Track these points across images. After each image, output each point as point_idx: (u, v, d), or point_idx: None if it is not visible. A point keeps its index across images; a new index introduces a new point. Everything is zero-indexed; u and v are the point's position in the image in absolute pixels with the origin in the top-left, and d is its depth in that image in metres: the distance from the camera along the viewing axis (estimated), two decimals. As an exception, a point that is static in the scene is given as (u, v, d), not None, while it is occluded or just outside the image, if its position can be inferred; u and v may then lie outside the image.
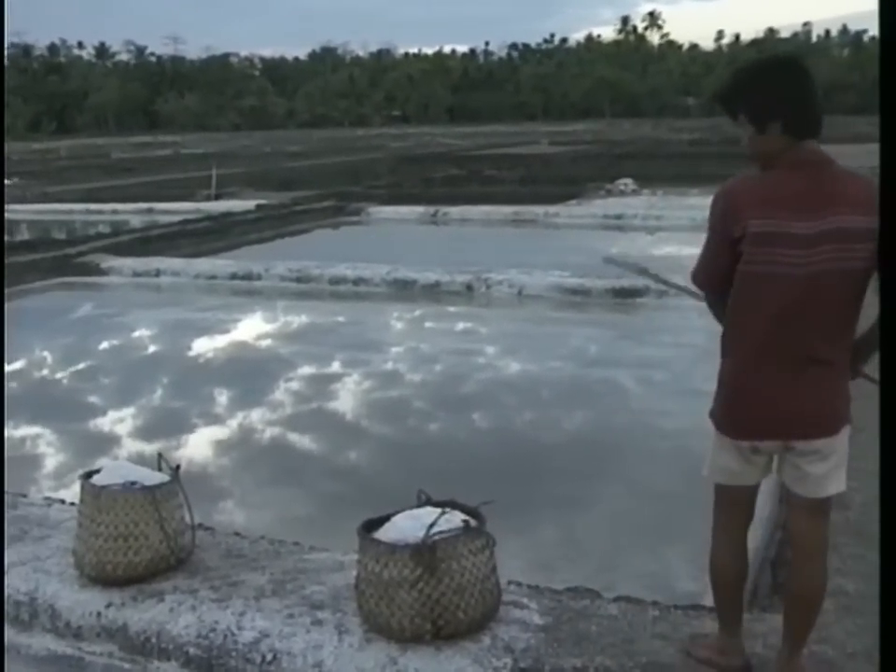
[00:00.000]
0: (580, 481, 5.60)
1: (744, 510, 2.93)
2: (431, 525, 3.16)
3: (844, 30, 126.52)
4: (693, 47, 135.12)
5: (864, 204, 2.55)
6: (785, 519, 3.11)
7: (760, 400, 2.71)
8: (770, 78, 2.65)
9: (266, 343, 9.61)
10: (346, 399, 7.58)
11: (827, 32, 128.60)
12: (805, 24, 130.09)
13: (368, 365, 8.46)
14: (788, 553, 3.86)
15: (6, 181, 30.62)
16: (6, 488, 4.86)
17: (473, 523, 3.26)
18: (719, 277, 2.72)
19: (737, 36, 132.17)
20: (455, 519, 3.23)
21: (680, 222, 16.49)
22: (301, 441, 6.63)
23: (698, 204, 18.89)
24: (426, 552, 3.12)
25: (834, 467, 2.74)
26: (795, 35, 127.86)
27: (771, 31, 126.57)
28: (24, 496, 4.92)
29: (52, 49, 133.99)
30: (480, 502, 3.35)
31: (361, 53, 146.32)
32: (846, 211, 2.55)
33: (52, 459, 6.40)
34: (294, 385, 7.97)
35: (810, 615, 2.86)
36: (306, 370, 8.38)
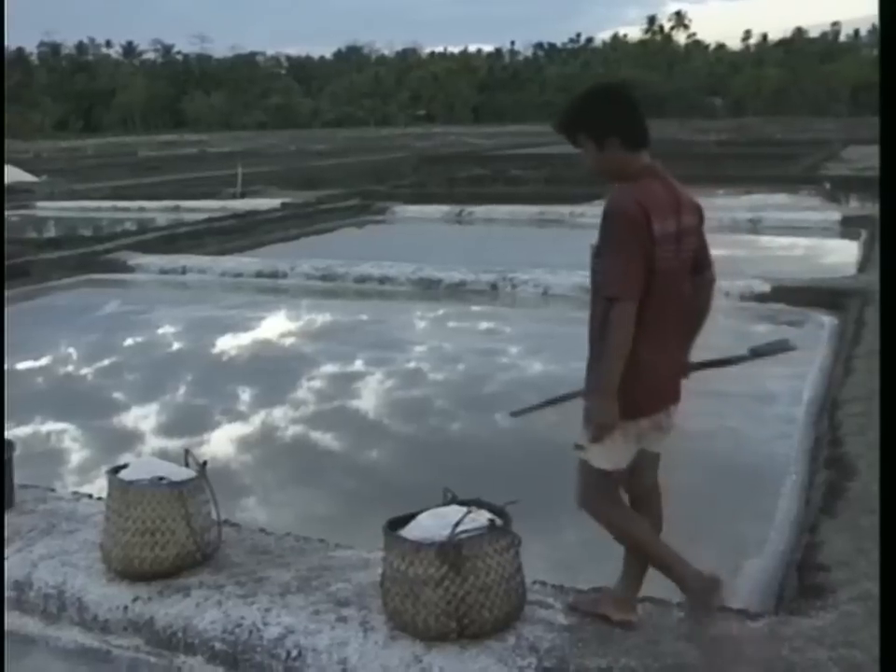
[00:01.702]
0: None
1: (616, 488, 3.28)
2: (457, 524, 3.16)
3: (873, 29, 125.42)
4: (720, 46, 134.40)
5: (693, 206, 3.12)
6: (638, 481, 3.38)
7: (658, 381, 3.11)
8: (603, 101, 3.06)
9: (290, 340, 9.65)
10: (369, 397, 7.59)
11: (856, 31, 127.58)
12: (835, 24, 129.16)
13: (391, 364, 8.47)
14: (814, 556, 3.85)
15: (34, 178, 30.91)
16: (35, 483, 4.93)
17: (499, 522, 3.26)
18: (640, 285, 2.92)
19: (765, 36, 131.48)
20: (481, 518, 3.23)
21: (706, 223, 16.42)
22: (324, 439, 6.65)
23: (724, 205, 18.82)
24: (451, 550, 3.12)
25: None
26: (824, 34, 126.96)
27: (799, 30, 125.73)
28: (52, 490, 4.96)
29: (80, 47, 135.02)
30: (505, 502, 3.36)
31: (387, 52, 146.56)
32: (687, 211, 3.06)
33: (79, 455, 6.45)
34: (317, 383, 7.99)
35: (645, 558, 3.34)
36: (329, 368, 8.40)
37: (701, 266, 3.22)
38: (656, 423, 3.20)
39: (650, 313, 2.96)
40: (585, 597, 3.48)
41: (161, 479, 3.78)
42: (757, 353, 3.74)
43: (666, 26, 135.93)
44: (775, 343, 3.86)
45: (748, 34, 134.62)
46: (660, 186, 3.01)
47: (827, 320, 9.03)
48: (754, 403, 6.90)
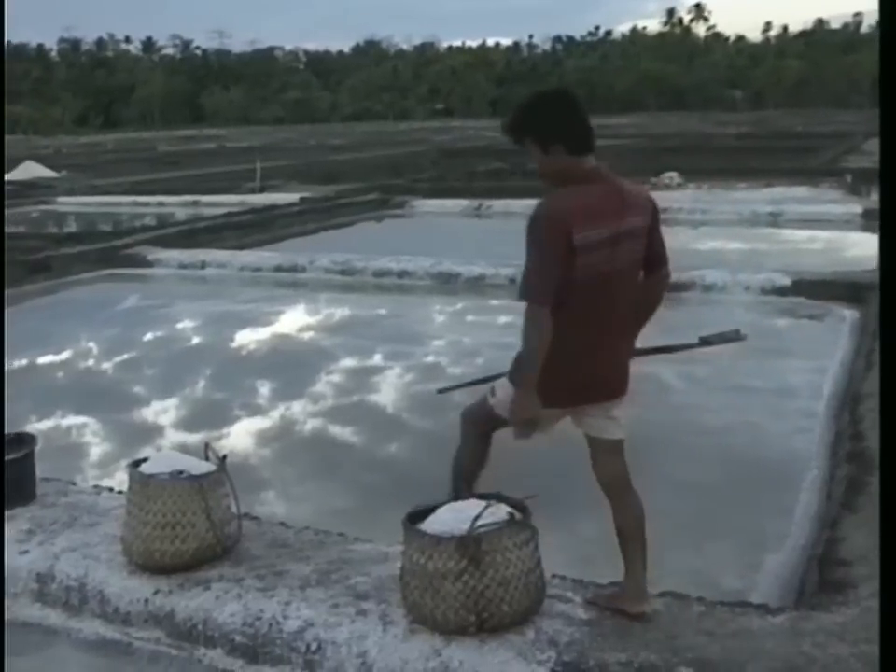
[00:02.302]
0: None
1: (495, 428, 3.50)
2: (476, 518, 3.16)
3: None
4: (740, 39, 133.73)
5: (642, 207, 3.20)
6: (597, 469, 3.49)
7: (582, 378, 3.20)
8: (549, 107, 3.12)
9: (309, 335, 9.66)
10: (388, 391, 7.59)
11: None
12: (856, 14, 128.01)
13: (410, 358, 8.47)
14: (835, 551, 3.83)
15: (54, 174, 31.09)
16: (57, 476, 4.96)
17: (518, 516, 3.26)
18: (554, 291, 3.02)
19: (785, 28, 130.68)
20: (500, 512, 3.23)
21: (726, 216, 16.36)
22: (343, 433, 6.66)
23: (744, 198, 18.77)
24: (470, 544, 3.12)
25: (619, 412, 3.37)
26: (846, 25, 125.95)
27: (820, 22, 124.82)
28: (74, 483, 4.99)
29: (100, 43, 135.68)
30: (524, 496, 3.35)
31: (405, 46, 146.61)
32: (633, 213, 3.13)
33: (99, 448, 6.48)
34: (336, 377, 8.00)
35: (643, 541, 3.41)
36: (348, 362, 8.40)
37: (655, 263, 3.31)
38: (587, 413, 3.32)
39: (577, 315, 3.09)
40: (603, 592, 3.51)
41: (181, 472, 3.79)
42: (706, 341, 3.85)
43: (686, 18, 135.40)
44: (726, 332, 3.95)
45: (768, 25, 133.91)
46: (600, 191, 3.09)
47: (848, 314, 8.97)
48: (775, 398, 6.87)
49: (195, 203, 21.11)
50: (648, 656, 3.07)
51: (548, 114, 3.11)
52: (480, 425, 3.56)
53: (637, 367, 8.14)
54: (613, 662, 3.06)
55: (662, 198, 18.36)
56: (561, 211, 3.02)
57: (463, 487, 3.57)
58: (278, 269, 12.51)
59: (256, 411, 7.15)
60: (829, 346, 7.94)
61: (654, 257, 3.29)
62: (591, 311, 3.12)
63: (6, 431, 4.65)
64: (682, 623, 3.31)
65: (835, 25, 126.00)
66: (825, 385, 6.93)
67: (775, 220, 15.98)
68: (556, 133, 3.08)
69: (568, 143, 3.08)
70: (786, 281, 10.02)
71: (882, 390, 2.28)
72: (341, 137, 58.55)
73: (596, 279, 3.06)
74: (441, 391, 4.17)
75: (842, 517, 4.20)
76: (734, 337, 3.83)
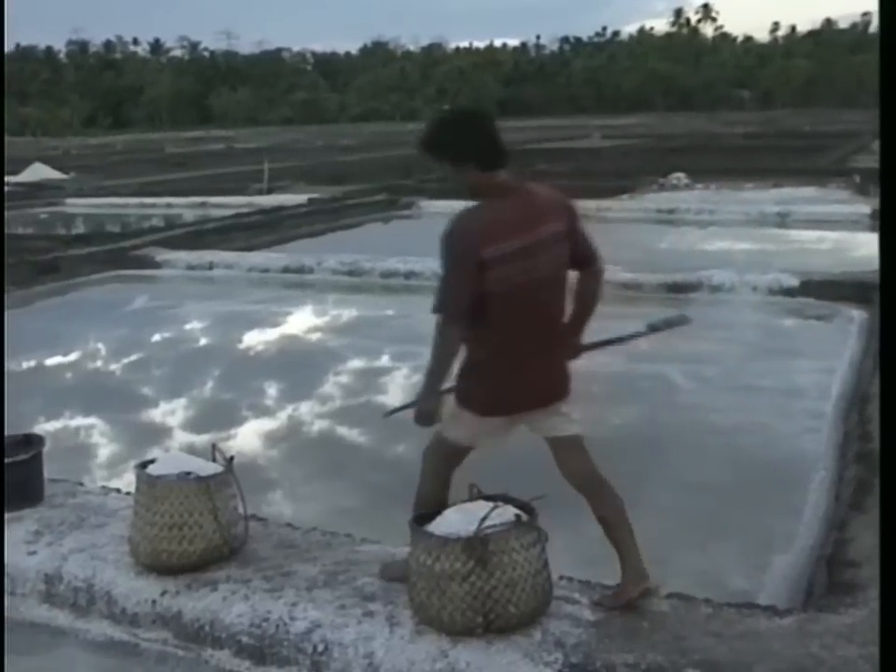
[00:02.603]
0: (629, 477, 5.52)
1: (458, 462, 3.50)
2: (483, 519, 3.16)
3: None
4: (748, 39, 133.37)
5: (559, 212, 3.26)
6: (564, 470, 3.55)
7: (515, 388, 3.28)
8: (461, 126, 3.28)
9: (317, 335, 9.67)
10: (395, 392, 7.59)
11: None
12: (865, 14, 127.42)
13: (417, 358, 8.43)
14: (844, 552, 3.81)
15: (63, 175, 31.17)
16: (65, 477, 4.97)
17: (525, 517, 3.26)
18: (466, 307, 3.15)
19: (793, 28, 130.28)
20: (507, 513, 3.23)
21: (734, 217, 16.33)
22: (351, 433, 6.66)
23: (752, 199, 18.73)
24: (477, 545, 3.12)
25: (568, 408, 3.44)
26: (854, 25, 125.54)
27: (829, 22, 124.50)
28: (81, 484, 5.00)
29: (108, 45, 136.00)
30: (531, 497, 3.35)
31: (412, 47, 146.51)
32: (550, 220, 3.21)
33: (107, 449, 6.50)
34: (344, 378, 8.01)
35: (628, 526, 3.46)
36: (356, 363, 8.41)
37: (584, 262, 3.40)
38: (535, 418, 3.40)
39: (503, 326, 3.22)
40: (607, 594, 3.51)
41: (188, 473, 3.80)
42: (654, 328, 3.92)
43: (693, 18, 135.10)
44: (672, 317, 4.00)
45: (776, 25, 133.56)
46: (511, 204, 3.19)
47: (856, 314, 8.94)
48: (783, 398, 6.86)
49: (203, 205, 21.14)
50: (655, 657, 3.07)
51: (460, 133, 3.25)
52: (437, 453, 3.52)
53: (643, 367, 8.13)
54: (620, 663, 3.06)
55: (670, 198, 18.39)
56: (469, 228, 3.16)
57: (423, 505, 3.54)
58: (286, 270, 12.52)
59: (263, 411, 7.16)
60: (837, 347, 7.92)
61: (581, 256, 3.37)
62: (516, 321, 3.21)
63: (14, 433, 4.66)
64: (690, 624, 3.30)
65: (844, 25, 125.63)
66: (833, 385, 6.91)
67: (783, 221, 15.95)
68: (468, 150, 3.20)
69: (479, 160, 3.20)
70: (794, 282, 9.99)
71: (882, 390, 2.27)
72: (348, 138, 58.63)
73: (515, 290, 3.16)
74: (387, 414, 4.16)
75: (850, 518, 4.19)
76: (679, 321, 3.92)
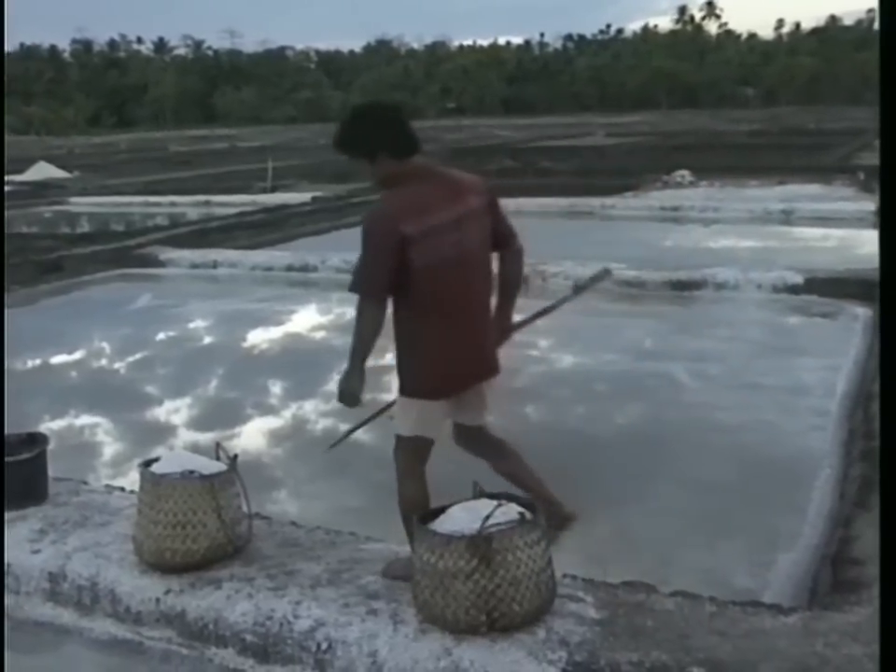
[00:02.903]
0: (633, 475, 5.55)
1: (427, 456, 3.61)
2: (487, 517, 3.15)
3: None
4: (752, 36, 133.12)
5: (476, 192, 3.44)
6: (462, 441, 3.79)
7: (459, 363, 3.42)
8: (368, 120, 3.42)
9: (321, 334, 9.66)
10: (400, 390, 7.58)
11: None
12: (870, 11, 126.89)
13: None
14: (849, 550, 3.81)
15: (67, 174, 31.21)
16: (69, 476, 4.97)
17: (529, 515, 3.25)
18: (387, 285, 3.32)
19: (798, 25, 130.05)
20: (511, 511, 3.22)
21: (738, 214, 16.30)
22: (355, 432, 6.64)
23: (757, 196, 18.68)
24: (481, 543, 3.12)
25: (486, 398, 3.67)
26: (859, 22, 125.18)
27: (833, 18, 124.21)
28: (85, 483, 5.00)
29: (112, 44, 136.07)
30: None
31: (416, 46, 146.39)
32: (469, 197, 3.37)
33: (111, 448, 6.50)
34: (348, 376, 7.99)
35: (531, 472, 3.77)
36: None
37: (504, 241, 3.56)
38: (463, 400, 3.57)
39: (426, 304, 3.35)
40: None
41: (191, 472, 3.80)
42: (579, 288, 4.08)
43: (697, 16, 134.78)
44: (595, 274, 4.13)
45: (780, 22, 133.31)
46: (430, 185, 3.35)
47: (861, 312, 8.92)
48: (788, 396, 6.84)
49: (207, 203, 21.15)
50: (659, 656, 3.06)
51: (370, 126, 3.40)
52: (405, 452, 3.60)
53: (647, 365, 8.13)
54: (625, 662, 3.05)
55: (674, 196, 18.36)
56: (389, 209, 3.32)
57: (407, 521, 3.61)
58: (290, 268, 12.51)
59: (267, 410, 7.16)
60: (842, 344, 7.90)
61: (501, 236, 3.53)
62: (446, 295, 3.35)
63: (19, 431, 4.67)
64: (694, 622, 3.29)
65: (848, 22, 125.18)
66: (838, 383, 6.90)
67: (787, 218, 15.91)
68: (380, 141, 3.34)
69: (392, 150, 3.34)
70: (798, 279, 9.97)
71: (882, 390, 2.26)
72: (352, 136, 58.48)
73: (443, 263, 3.29)
74: (332, 447, 4.28)
75: (855, 516, 4.18)
76: (602, 276, 4.06)
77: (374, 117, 3.44)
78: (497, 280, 3.60)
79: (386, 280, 3.30)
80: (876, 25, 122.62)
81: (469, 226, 3.35)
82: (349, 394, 3.45)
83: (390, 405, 3.74)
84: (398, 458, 3.60)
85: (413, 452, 3.56)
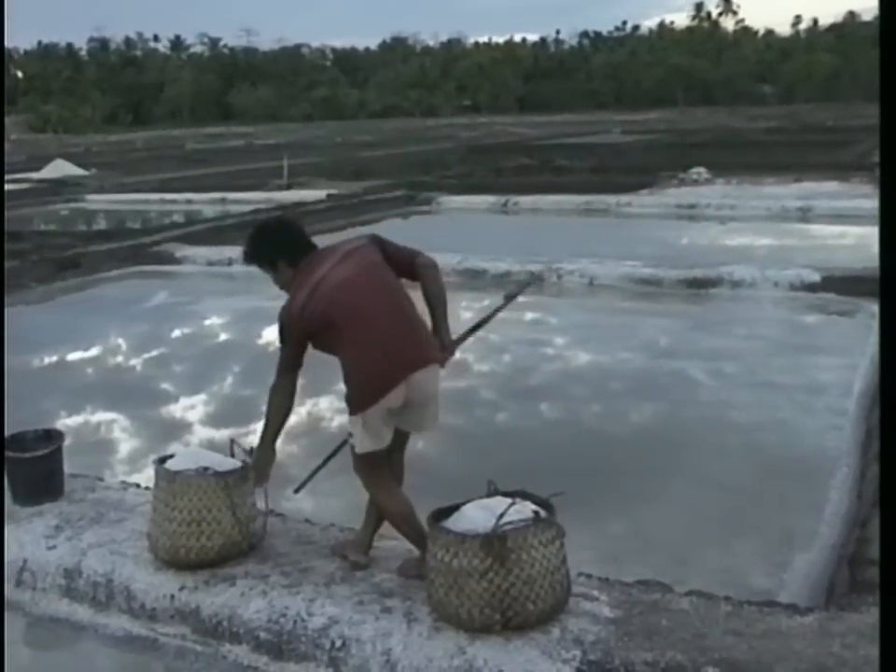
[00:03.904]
0: (649, 473, 5.53)
1: (386, 463, 3.76)
2: (501, 516, 3.14)
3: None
4: (769, 32, 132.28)
5: (355, 239, 3.83)
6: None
7: (385, 361, 3.59)
8: (266, 238, 3.87)
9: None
10: (415, 388, 7.58)
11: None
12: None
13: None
14: (866, 551, 3.78)
15: (84, 172, 31.33)
16: (85, 472, 4.99)
17: (543, 514, 3.24)
18: (296, 362, 3.77)
19: (815, 21, 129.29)
20: (526, 510, 3.22)
21: (755, 212, 16.22)
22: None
23: (774, 194, 18.59)
24: (496, 542, 3.11)
25: (435, 406, 3.76)
26: (877, 18, 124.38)
27: (851, 14, 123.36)
28: (101, 479, 5.02)
29: (129, 42, 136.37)
30: (550, 493, 3.33)
31: (432, 43, 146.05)
32: (346, 245, 3.75)
33: (127, 444, 6.52)
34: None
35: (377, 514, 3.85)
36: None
37: (406, 267, 3.80)
38: (408, 406, 3.65)
39: (350, 342, 3.61)
40: (338, 542, 4.00)
41: (206, 469, 3.81)
42: (510, 297, 4.19)
43: (714, 12, 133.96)
44: (523, 281, 4.19)
45: (797, 19, 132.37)
46: (318, 266, 3.66)
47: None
48: (804, 395, 6.80)
49: (223, 201, 21.20)
50: (674, 656, 3.04)
51: (268, 244, 3.82)
52: (368, 468, 3.74)
53: (664, 364, 8.10)
54: (639, 661, 3.04)
55: (690, 193, 18.26)
56: (291, 307, 3.64)
57: (411, 532, 3.74)
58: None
59: (282, 407, 7.15)
60: (859, 343, 7.85)
61: (401, 264, 3.79)
62: (364, 325, 3.60)
63: (35, 428, 4.69)
64: (710, 622, 3.27)
65: (867, 18, 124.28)
66: (855, 382, 6.85)
67: (804, 216, 15.83)
68: (278, 256, 3.76)
69: (289, 259, 3.74)
70: (815, 277, 9.92)
71: (882, 391, 2.24)
72: (368, 134, 58.63)
73: (337, 288, 3.59)
74: (297, 490, 4.29)
75: (872, 516, 4.14)
76: (531, 282, 4.12)
77: (271, 234, 3.89)
78: (424, 298, 3.84)
79: (297, 360, 3.75)
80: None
81: (352, 263, 3.66)
82: (259, 469, 3.81)
83: (345, 441, 3.89)
84: (360, 475, 3.77)
85: (371, 465, 3.70)
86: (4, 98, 66.36)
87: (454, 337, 3.92)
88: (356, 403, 3.65)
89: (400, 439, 3.83)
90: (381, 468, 3.73)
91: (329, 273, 3.63)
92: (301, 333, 3.67)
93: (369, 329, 3.60)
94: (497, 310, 4.17)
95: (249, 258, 3.89)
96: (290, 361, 3.76)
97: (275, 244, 3.81)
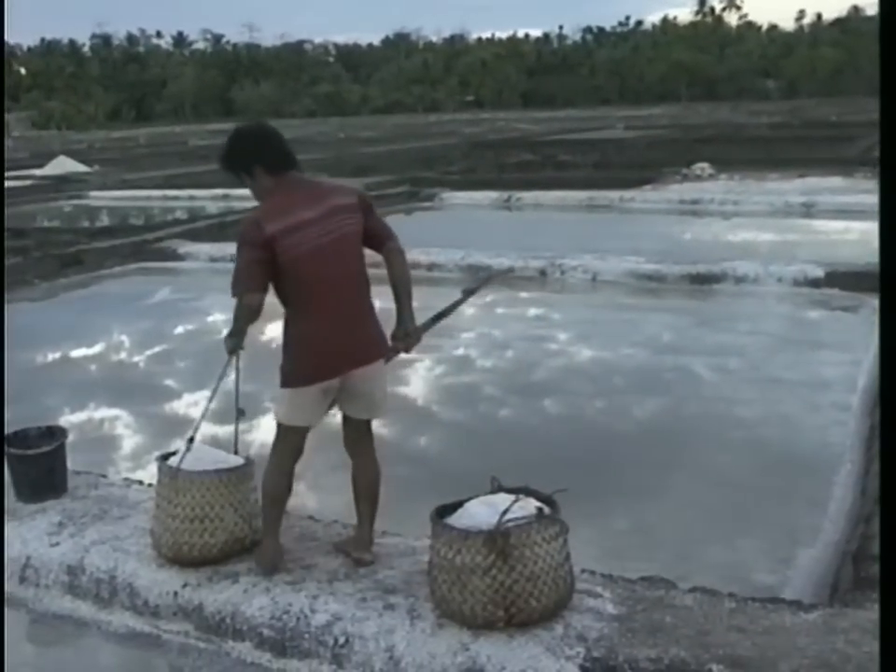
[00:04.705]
0: (652, 469, 5.52)
1: (300, 444, 3.78)
2: (505, 512, 3.14)
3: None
4: (773, 27, 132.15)
5: (345, 192, 3.72)
6: (344, 436, 3.92)
7: (326, 350, 3.58)
8: (244, 140, 3.70)
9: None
10: (417, 384, 7.58)
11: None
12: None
13: (439, 350, 8.44)
14: (870, 547, 3.77)
15: (86, 168, 31.34)
16: (88, 469, 4.99)
17: (547, 510, 3.23)
18: (260, 278, 3.56)
19: (819, 16, 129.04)
20: (529, 506, 3.21)
21: (758, 207, 16.18)
22: (373, 425, 6.63)
23: (777, 189, 18.55)
24: (499, 538, 3.10)
25: (380, 394, 3.80)
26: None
27: (855, 9, 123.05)
28: (104, 476, 5.02)
29: (131, 38, 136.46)
30: (554, 490, 3.32)
31: (434, 39, 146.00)
32: (336, 197, 3.64)
33: (130, 441, 6.52)
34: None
35: (376, 499, 3.87)
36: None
37: (378, 240, 3.78)
38: (348, 391, 3.70)
39: (292, 298, 3.62)
40: (341, 539, 4.00)
41: (209, 466, 3.80)
42: (468, 291, 4.12)
43: (717, 7, 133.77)
44: (482, 276, 4.19)
45: (801, 13, 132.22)
46: (297, 191, 3.61)
47: (883, 305, 8.83)
48: (808, 390, 6.79)
49: (226, 197, 21.13)
50: (678, 652, 3.04)
51: (246, 147, 3.67)
52: (279, 441, 3.79)
53: (667, 359, 8.07)
54: (643, 658, 3.03)
55: (693, 189, 18.19)
56: (255, 216, 3.58)
57: (268, 524, 3.81)
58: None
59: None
60: (863, 338, 7.82)
61: (374, 236, 3.75)
62: (310, 286, 3.57)
63: (38, 425, 4.69)
64: (713, 618, 3.27)
65: (871, 12, 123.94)
66: (859, 377, 6.83)
67: (808, 211, 15.79)
68: (255, 158, 3.62)
69: (267, 164, 3.61)
70: (819, 272, 9.90)
71: (882, 390, 2.23)
72: (371, 130, 58.57)
73: (304, 259, 3.52)
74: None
75: (876, 512, 4.13)
76: (491, 277, 4.12)
77: (250, 136, 3.72)
78: (389, 281, 3.82)
79: (259, 278, 3.57)
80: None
81: (332, 226, 3.57)
82: (230, 349, 4.03)
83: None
84: (274, 449, 3.80)
85: (285, 441, 3.73)
86: (3, 97, 66.29)
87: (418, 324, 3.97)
88: (288, 379, 3.67)
89: (355, 441, 3.87)
90: (291, 443, 3.74)
91: (308, 225, 3.53)
92: (257, 247, 3.54)
93: (319, 313, 3.58)
94: (456, 304, 4.19)
95: (225, 162, 3.74)
96: (244, 279, 3.62)
97: (253, 148, 3.66)
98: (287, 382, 3.67)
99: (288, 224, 3.50)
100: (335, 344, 3.59)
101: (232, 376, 4.10)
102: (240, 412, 3.96)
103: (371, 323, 3.74)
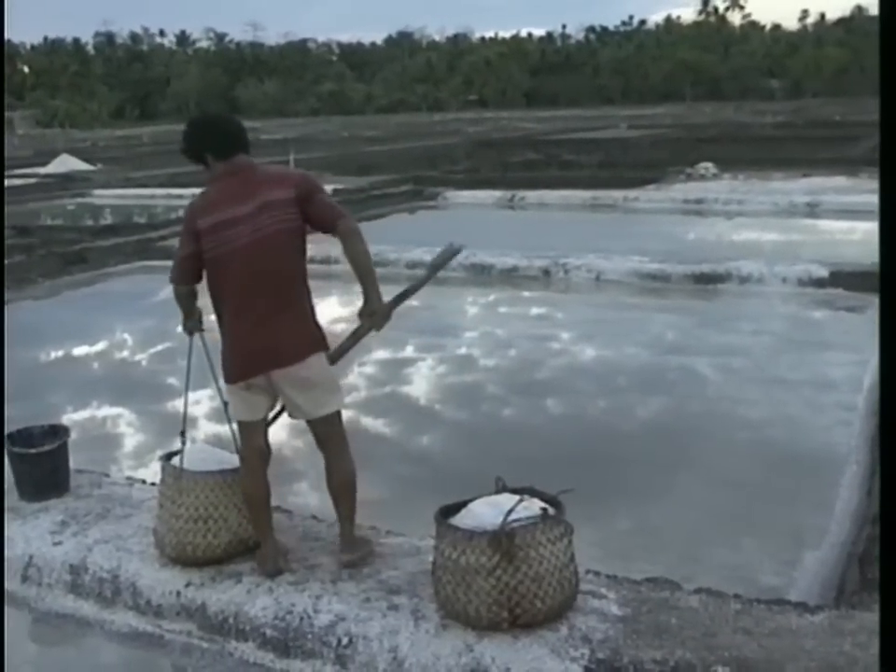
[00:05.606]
0: (657, 470, 5.51)
1: (256, 440, 3.74)
2: (509, 513, 3.12)
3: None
4: (777, 27, 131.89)
5: (283, 183, 3.65)
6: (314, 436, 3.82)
7: (244, 349, 3.62)
8: (194, 129, 3.80)
9: (341, 326, 9.61)
10: (420, 383, 7.57)
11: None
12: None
13: (442, 350, 8.44)
14: (876, 548, 3.75)
15: (90, 167, 31.35)
16: (91, 467, 4.98)
17: (552, 511, 3.22)
18: (189, 272, 3.72)
19: (823, 15, 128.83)
20: (534, 507, 3.19)
21: (762, 207, 16.16)
22: (376, 425, 6.64)
23: (781, 189, 18.52)
24: (504, 539, 3.09)
25: (320, 392, 3.67)
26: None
27: (859, 8, 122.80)
28: (107, 475, 5.01)
29: (135, 37, 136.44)
30: (559, 490, 3.31)
31: (438, 38, 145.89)
32: (270, 189, 3.59)
33: (133, 440, 6.51)
34: (368, 369, 7.98)
35: (352, 497, 3.80)
36: (381, 353, 8.38)
37: (327, 223, 3.71)
38: (282, 391, 3.67)
39: (218, 291, 3.66)
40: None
41: (213, 466, 3.80)
42: (434, 266, 4.15)
43: (721, 7, 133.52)
44: (446, 249, 4.12)
45: (805, 13, 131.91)
46: (234, 180, 3.63)
47: (888, 305, 8.81)
48: (813, 391, 6.77)
49: (229, 196, 21.16)
50: (683, 654, 3.02)
51: (194, 136, 3.76)
52: (242, 439, 3.78)
53: (671, 359, 8.04)
54: (648, 659, 3.01)
55: (697, 189, 18.15)
56: (194, 202, 3.71)
57: (258, 526, 3.79)
58: (311, 260, 12.38)
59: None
60: (868, 338, 7.78)
61: (321, 221, 3.70)
62: (232, 280, 3.59)
63: (41, 423, 4.68)
64: (719, 620, 3.25)
65: (874, 12, 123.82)
66: (865, 377, 6.81)
67: (812, 211, 15.76)
68: (203, 145, 3.70)
69: (214, 152, 3.68)
70: (824, 272, 9.88)
71: (882, 391, 2.21)
72: (375, 129, 58.54)
73: (234, 252, 3.54)
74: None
75: (882, 513, 4.11)
76: (454, 251, 4.06)
77: (197, 126, 3.83)
78: (348, 263, 3.82)
79: (187, 273, 3.73)
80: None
81: (260, 223, 3.55)
82: (187, 327, 4.12)
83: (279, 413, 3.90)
84: (245, 447, 3.80)
85: (242, 438, 3.77)
86: (3, 97, 66.30)
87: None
88: (224, 375, 3.74)
89: (318, 441, 3.80)
90: (248, 440, 3.74)
91: (237, 223, 3.55)
92: (188, 235, 3.66)
93: (237, 312, 3.62)
94: (424, 280, 4.13)
95: (182, 152, 3.84)
96: (176, 267, 3.75)
97: (200, 136, 3.75)
98: (224, 378, 3.75)
99: (217, 221, 3.56)
100: (252, 344, 3.61)
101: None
102: (227, 404, 3.91)
103: (296, 323, 3.65)
